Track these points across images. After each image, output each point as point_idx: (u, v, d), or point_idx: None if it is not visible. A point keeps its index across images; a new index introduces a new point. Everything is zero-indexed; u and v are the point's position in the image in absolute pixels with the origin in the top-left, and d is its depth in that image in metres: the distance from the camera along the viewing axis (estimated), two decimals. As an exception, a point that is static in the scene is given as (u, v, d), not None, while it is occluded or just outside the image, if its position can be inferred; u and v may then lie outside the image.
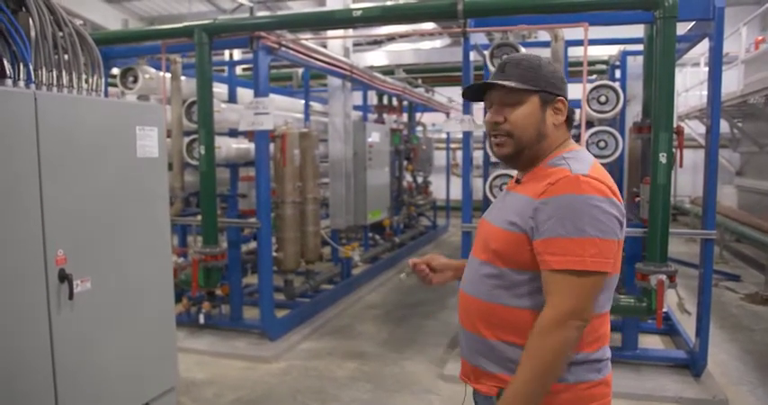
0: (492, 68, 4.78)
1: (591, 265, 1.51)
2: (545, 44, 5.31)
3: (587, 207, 1.52)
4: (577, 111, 6.11)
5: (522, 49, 4.79)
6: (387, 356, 5.13)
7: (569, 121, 1.75)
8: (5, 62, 2.59)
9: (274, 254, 5.91)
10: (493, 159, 5.20)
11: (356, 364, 4.96)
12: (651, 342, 5.28)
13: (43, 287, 2.51)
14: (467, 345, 1.78)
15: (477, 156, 7.32)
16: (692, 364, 4.52)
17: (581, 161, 1.64)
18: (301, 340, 5.52)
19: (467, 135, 4.96)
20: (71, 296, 2.59)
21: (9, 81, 2.60)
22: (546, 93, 1.67)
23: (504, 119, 1.67)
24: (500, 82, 1.64)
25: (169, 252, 3.41)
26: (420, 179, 11.56)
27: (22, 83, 2.62)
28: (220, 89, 6.18)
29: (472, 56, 4.90)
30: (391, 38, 12.25)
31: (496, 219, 1.73)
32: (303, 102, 7.60)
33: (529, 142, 1.67)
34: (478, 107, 5.89)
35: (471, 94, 1.79)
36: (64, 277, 2.56)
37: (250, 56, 5.38)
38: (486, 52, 4.86)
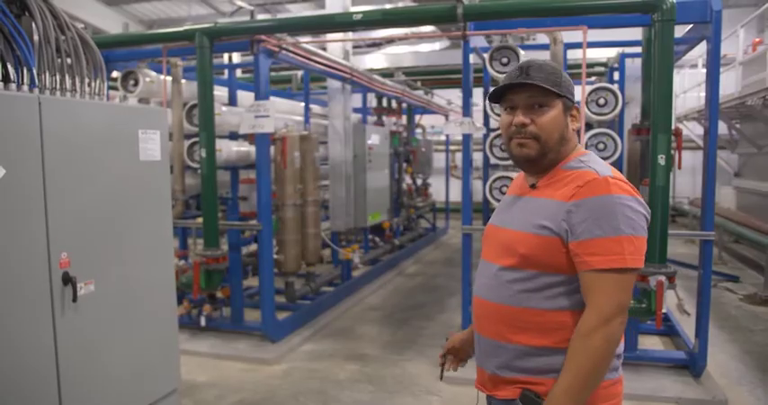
0: (492, 71, 4.82)
1: (630, 262, 1.55)
2: (544, 47, 5.34)
3: (619, 207, 1.56)
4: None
5: (522, 52, 4.82)
6: (387, 358, 5.15)
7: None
8: (9, 66, 2.61)
9: (275, 256, 5.93)
10: (493, 161, 5.22)
11: (357, 365, 4.98)
12: (651, 343, 5.30)
13: (47, 290, 2.53)
14: (484, 352, 1.78)
15: (477, 158, 7.35)
16: (692, 365, 4.53)
17: (600, 164, 1.69)
18: (302, 342, 5.53)
19: (466, 137, 4.98)
20: (75, 298, 2.61)
21: (13, 85, 2.62)
22: (567, 99, 1.71)
23: (532, 121, 1.68)
24: (540, 83, 1.64)
25: (171, 254, 3.43)
26: (420, 181, 11.58)
27: (25, 87, 2.64)
28: (221, 92, 6.20)
29: (472, 58, 4.93)
30: (390, 40, 12.27)
31: (519, 224, 1.72)
32: (303, 104, 7.62)
33: (553, 146, 1.70)
34: (477, 109, 5.93)
35: (496, 96, 1.77)
36: (68, 280, 2.58)
37: (250, 59, 5.40)
38: (486, 55, 4.89)
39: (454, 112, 12.56)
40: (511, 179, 4.72)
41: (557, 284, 1.64)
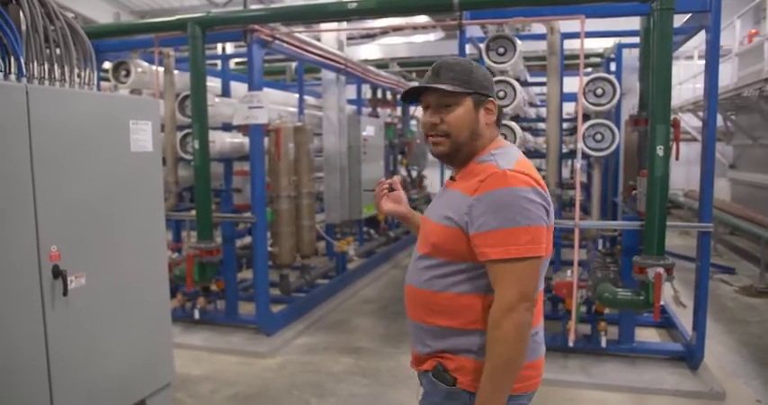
0: (488, 61, 4.77)
1: (525, 252, 1.63)
2: (540, 37, 5.28)
3: (515, 198, 1.64)
4: (573, 104, 6.10)
5: (518, 42, 4.77)
6: (383, 351, 5.12)
7: (498, 119, 1.87)
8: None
9: (269, 248, 5.88)
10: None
11: (352, 358, 4.95)
12: (648, 335, 5.29)
13: (37, 283, 2.48)
14: (413, 333, 1.91)
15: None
16: (689, 357, 4.52)
17: (507, 156, 1.76)
18: (297, 335, 5.50)
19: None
20: (65, 292, 2.56)
21: (0, 74, 2.56)
22: (478, 95, 1.78)
23: (441, 120, 1.79)
24: (437, 85, 1.76)
25: (164, 247, 3.39)
26: (414, 173, 11.51)
27: (13, 76, 2.59)
28: (214, 83, 6.13)
29: (467, 49, 4.87)
30: (385, 31, 12.18)
31: (434, 215, 1.84)
32: (297, 96, 7.55)
33: (464, 141, 1.80)
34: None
35: (408, 97, 1.88)
36: (58, 273, 2.54)
37: (243, 49, 5.33)
38: (482, 45, 4.83)
39: (449, 104, 12.44)
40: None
41: (461, 271, 1.74)
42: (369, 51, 12.23)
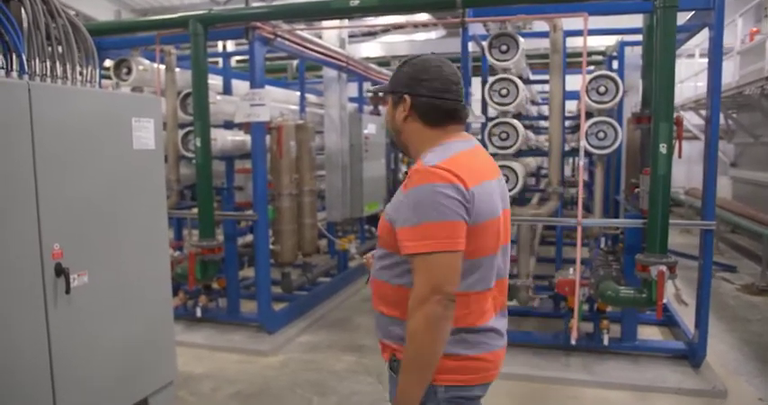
0: (491, 59, 4.77)
1: (437, 246, 1.65)
2: (543, 34, 5.27)
3: (432, 194, 1.66)
4: (576, 101, 6.08)
5: (521, 40, 4.75)
6: (385, 349, 5.11)
7: (451, 115, 1.84)
8: (-2, 52, 2.55)
9: (271, 247, 5.88)
10: (491, 150, 5.15)
11: (355, 356, 4.94)
12: (650, 333, 5.28)
13: (39, 281, 2.48)
14: (375, 322, 1.97)
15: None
16: (691, 355, 4.51)
17: (442, 152, 1.77)
18: (299, 333, 5.49)
19: (465, 126, 4.91)
20: (68, 290, 2.56)
21: (2, 72, 2.55)
22: (395, 93, 1.86)
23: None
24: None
25: (166, 245, 3.38)
26: (415, 171, 11.50)
27: (15, 74, 2.58)
28: (215, 81, 6.11)
29: (470, 46, 4.86)
30: (386, 29, 12.17)
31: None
32: (298, 93, 7.54)
33: (393, 136, 1.95)
34: (476, 99, 5.87)
35: None
36: (60, 271, 2.53)
37: (245, 47, 5.32)
38: (485, 42, 4.82)
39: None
40: (509, 168, 4.68)
41: (396, 264, 1.80)
42: (370, 49, 12.23)
